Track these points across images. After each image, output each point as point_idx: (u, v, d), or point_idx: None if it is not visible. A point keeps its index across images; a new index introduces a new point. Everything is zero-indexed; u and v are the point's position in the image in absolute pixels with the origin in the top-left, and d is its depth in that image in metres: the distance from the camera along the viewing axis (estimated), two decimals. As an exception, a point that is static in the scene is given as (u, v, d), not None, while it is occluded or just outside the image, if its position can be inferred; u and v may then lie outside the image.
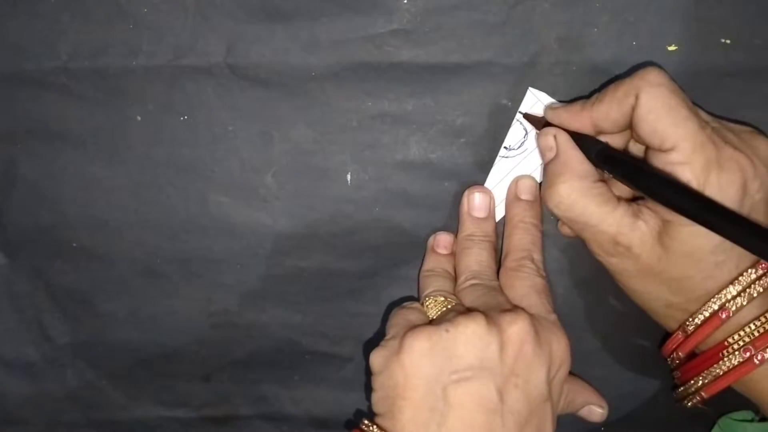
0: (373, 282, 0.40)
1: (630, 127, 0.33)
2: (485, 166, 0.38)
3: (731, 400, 0.36)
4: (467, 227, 0.38)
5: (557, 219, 0.35)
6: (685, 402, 0.35)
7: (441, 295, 0.36)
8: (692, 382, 0.34)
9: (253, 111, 0.38)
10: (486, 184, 0.38)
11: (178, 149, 0.39)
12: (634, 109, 0.32)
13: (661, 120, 0.31)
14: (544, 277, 0.37)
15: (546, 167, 0.35)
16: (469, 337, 0.32)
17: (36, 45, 0.38)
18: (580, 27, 0.36)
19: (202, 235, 0.39)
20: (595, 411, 0.38)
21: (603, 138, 0.35)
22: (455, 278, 0.38)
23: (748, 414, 0.38)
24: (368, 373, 0.34)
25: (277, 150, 0.38)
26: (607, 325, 0.40)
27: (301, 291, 0.40)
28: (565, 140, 0.35)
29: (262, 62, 0.37)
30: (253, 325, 0.40)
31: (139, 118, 0.38)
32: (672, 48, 0.36)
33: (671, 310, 0.34)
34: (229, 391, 0.41)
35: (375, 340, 0.39)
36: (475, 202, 0.38)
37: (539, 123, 0.37)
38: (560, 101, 0.37)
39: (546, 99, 0.37)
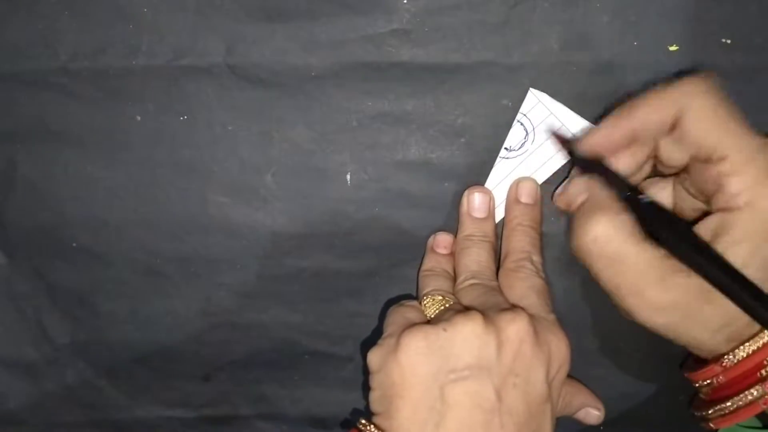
0: (372, 282, 0.40)
1: (668, 134, 0.32)
2: (485, 166, 0.38)
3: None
4: (467, 227, 0.38)
5: (584, 264, 0.33)
6: (710, 423, 0.34)
7: (439, 294, 0.36)
8: (727, 404, 0.32)
9: (253, 111, 0.38)
10: (486, 185, 0.38)
11: (178, 149, 0.39)
12: (679, 117, 0.31)
13: (712, 130, 0.30)
14: (544, 278, 0.36)
15: (578, 210, 0.34)
16: (467, 336, 0.31)
17: (36, 45, 0.38)
18: (580, 27, 0.36)
19: (202, 235, 0.39)
20: (592, 413, 0.38)
21: (625, 153, 0.33)
22: (454, 278, 0.38)
23: (752, 420, 0.38)
24: (367, 372, 0.34)
25: (277, 150, 0.38)
26: (607, 325, 0.39)
27: (301, 291, 0.40)
28: (596, 183, 0.33)
29: (262, 62, 0.37)
30: (252, 325, 0.40)
31: (139, 118, 0.38)
32: (673, 48, 0.36)
33: (710, 344, 0.32)
34: (229, 391, 0.42)
35: (374, 340, 0.39)
36: (474, 202, 0.38)
37: (566, 145, 0.36)
38: (561, 102, 0.37)
39: (547, 99, 0.37)
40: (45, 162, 0.39)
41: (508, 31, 0.36)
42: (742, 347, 0.31)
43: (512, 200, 0.38)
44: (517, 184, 0.38)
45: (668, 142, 0.32)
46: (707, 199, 0.32)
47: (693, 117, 0.31)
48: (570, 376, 0.37)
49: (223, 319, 0.40)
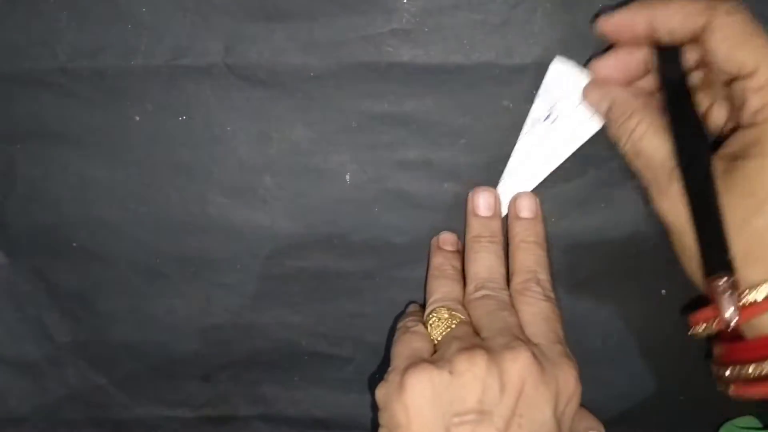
0: (372, 282, 0.40)
1: (685, 43, 0.32)
2: (485, 166, 0.38)
3: (735, 404, 0.36)
4: (474, 227, 0.38)
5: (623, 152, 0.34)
6: (727, 387, 0.33)
7: (446, 310, 0.35)
8: (754, 366, 0.31)
9: (252, 111, 0.38)
10: (511, 160, 0.37)
11: (177, 149, 0.38)
12: (703, 32, 0.31)
13: (739, 47, 0.30)
14: (552, 299, 0.36)
15: (610, 114, 0.34)
16: (469, 381, 0.31)
17: (35, 45, 0.38)
18: (581, 27, 0.36)
19: (202, 235, 0.39)
20: None
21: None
22: (464, 275, 0.38)
23: (751, 420, 0.38)
24: (369, 372, 0.34)
25: (276, 150, 0.38)
26: (607, 325, 0.39)
27: (301, 291, 0.40)
28: (615, 88, 0.35)
29: (261, 62, 0.37)
30: (252, 325, 0.40)
31: (137, 118, 0.38)
32: (675, 47, 0.36)
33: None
34: (229, 392, 0.42)
35: (374, 340, 0.40)
36: (479, 201, 0.38)
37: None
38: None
39: (573, 69, 0.36)
40: (45, 162, 0.39)
41: (508, 31, 0.36)
42: None
43: (512, 217, 0.37)
44: (515, 201, 0.37)
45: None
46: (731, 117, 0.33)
47: (719, 33, 0.31)
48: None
49: (223, 319, 0.40)
